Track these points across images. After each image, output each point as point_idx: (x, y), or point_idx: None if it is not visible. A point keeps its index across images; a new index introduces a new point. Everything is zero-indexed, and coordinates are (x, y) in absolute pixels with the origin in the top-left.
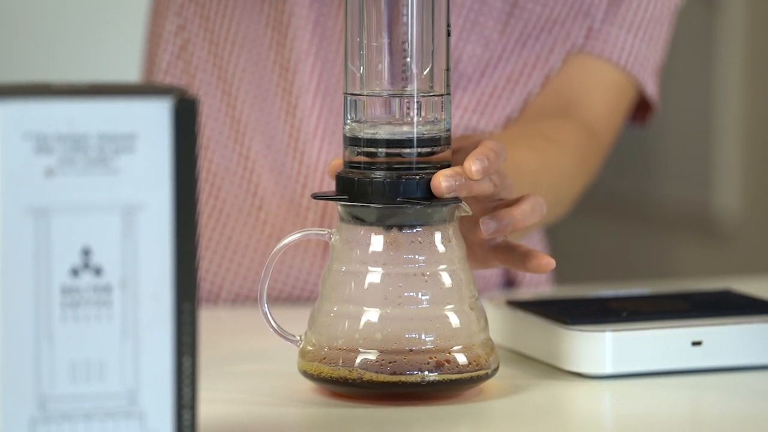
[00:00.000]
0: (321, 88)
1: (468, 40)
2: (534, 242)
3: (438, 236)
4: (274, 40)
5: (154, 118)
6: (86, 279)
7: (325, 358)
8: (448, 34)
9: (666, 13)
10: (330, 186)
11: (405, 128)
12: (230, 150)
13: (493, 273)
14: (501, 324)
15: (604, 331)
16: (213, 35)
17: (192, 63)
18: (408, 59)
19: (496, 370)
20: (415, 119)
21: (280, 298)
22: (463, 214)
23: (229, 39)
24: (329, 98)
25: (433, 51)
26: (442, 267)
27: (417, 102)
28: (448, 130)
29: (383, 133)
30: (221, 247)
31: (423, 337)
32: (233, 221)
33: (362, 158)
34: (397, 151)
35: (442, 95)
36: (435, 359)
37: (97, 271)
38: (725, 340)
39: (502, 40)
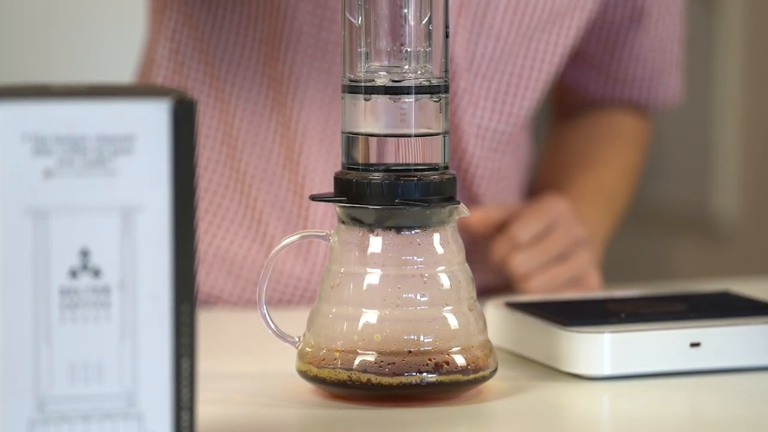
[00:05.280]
0: (317, 99)
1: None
2: None
3: (436, 238)
4: (268, 56)
5: (152, 120)
6: (85, 280)
7: (323, 360)
8: (447, 36)
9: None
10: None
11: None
12: (228, 167)
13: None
14: (500, 325)
15: (603, 332)
16: (208, 56)
17: (187, 85)
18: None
19: (494, 371)
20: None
21: (280, 305)
22: (462, 215)
23: (225, 59)
24: (326, 108)
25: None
26: (440, 268)
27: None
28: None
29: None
30: (218, 260)
31: (422, 338)
32: (232, 235)
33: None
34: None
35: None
36: (434, 360)
37: (96, 273)
38: (724, 341)
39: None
